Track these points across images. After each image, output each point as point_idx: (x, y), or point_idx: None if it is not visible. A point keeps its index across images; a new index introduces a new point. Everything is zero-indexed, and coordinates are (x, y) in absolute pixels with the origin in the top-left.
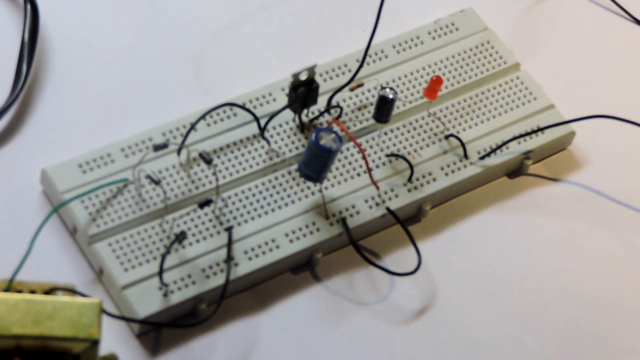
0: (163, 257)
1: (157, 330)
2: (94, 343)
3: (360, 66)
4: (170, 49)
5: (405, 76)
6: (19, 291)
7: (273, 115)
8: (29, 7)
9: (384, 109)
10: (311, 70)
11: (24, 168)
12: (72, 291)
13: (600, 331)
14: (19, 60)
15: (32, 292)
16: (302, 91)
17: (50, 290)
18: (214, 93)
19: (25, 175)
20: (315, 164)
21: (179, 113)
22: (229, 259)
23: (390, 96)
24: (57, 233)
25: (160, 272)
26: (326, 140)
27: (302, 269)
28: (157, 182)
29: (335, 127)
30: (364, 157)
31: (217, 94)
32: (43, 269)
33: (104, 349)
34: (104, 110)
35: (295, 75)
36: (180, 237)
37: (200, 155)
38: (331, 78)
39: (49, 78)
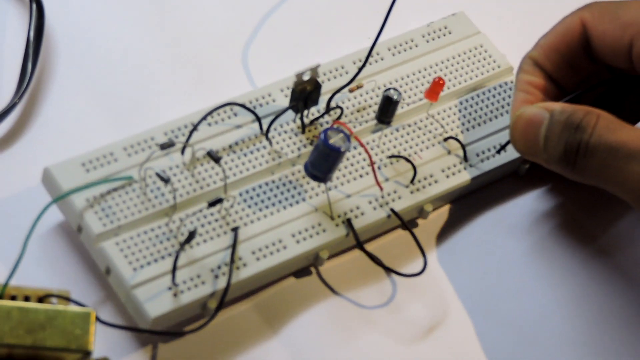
0: (177, 255)
1: (155, 336)
2: (86, 354)
3: (363, 67)
4: (173, 49)
5: (402, 78)
6: (13, 297)
7: (277, 115)
8: (34, 6)
9: (387, 109)
10: (314, 70)
11: (28, 167)
12: (66, 298)
13: (606, 346)
14: (24, 59)
15: (27, 297)
16: (305, 91)
17: (44, 297)
18: (216, 93)
19: (29, 174)
20: (324, 164)
21: (181, 112)
22: (232, 261)
23: (395, 97)
24: (62, 233)
25: (174, 271)
26: (335, 139)
27: (304, 274)
28: (166, 180)
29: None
30: (369, 158)
31: (219, 94)
32: (46, 269)
33: (98, 353)
34: (108, 109)
35: (299, 75)
36: (190, 236)
37: (209, 153)
38: (329, 80)
39: (54, 77)
